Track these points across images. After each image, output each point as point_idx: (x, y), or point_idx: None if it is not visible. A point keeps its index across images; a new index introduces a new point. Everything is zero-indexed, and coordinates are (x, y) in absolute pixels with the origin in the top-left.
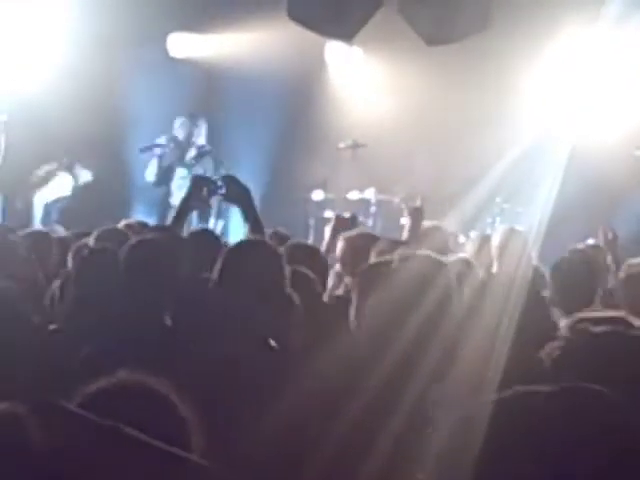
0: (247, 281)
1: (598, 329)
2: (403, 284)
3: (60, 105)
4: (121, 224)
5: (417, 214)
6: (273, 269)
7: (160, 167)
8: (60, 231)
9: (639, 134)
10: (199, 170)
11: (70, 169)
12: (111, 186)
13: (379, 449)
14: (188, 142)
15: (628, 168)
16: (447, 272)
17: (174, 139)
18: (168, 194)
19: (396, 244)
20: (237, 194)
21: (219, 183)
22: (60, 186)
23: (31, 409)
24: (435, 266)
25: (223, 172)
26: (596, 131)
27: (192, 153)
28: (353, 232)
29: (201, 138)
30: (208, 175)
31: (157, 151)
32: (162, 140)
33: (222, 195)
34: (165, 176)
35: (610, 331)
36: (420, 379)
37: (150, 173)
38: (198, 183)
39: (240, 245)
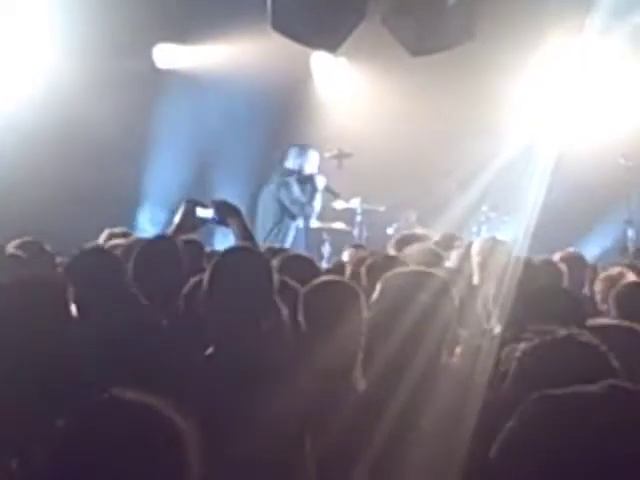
0: (236, 288)
1: (554, 335)
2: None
3: (45, 117)
4: (105, 233)
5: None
6: (262, 275)
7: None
8: None
9: (623, 142)
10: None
11: None
12: (95, 200)
13: (371, 453)
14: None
15: (613, 176)
16: (434, 283)
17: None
18: None
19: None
20: (229, 217)
21: (210, 208)
22: None
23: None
24: (422, 278)
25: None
26: (581, 140)
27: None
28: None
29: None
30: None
31: None
32: None
33: (215, 222)
34: None
35: (564, 336)
36: (408, 386)
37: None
38: (190, 208)
39: (229, 252)
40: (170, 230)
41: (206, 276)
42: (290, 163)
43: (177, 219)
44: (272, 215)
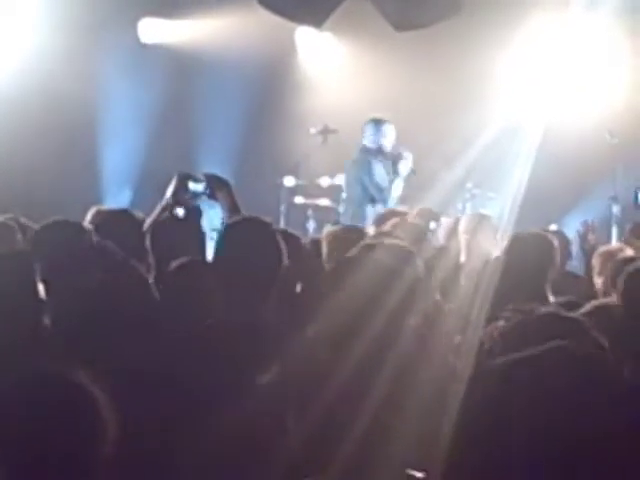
0: (244, 258)
1: (538, 311)
2: (368, 276)
3: (27, 91)
4: (93, 210)
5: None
6: (269, 246)
7: None
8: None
9: (609, 119)
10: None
11: None
12: (79, 176)
13: (359, 440)
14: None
15: (599, 153)
16: (415, 261)
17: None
18: None
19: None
20: (218, 190)
21: (201, 180)
22: None
23: None
24: (403, 255)
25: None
26: (567, 116)
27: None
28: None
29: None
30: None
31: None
32: None
33: (207, 195)
34: None
35: (547, 312)
36: (389, 370)
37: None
38: (183, 181)
39: (237, 222)
40: (163, 204)
41: (214, 247)
42: (367, 140)
43: (169, 192)
44: (355, 198)
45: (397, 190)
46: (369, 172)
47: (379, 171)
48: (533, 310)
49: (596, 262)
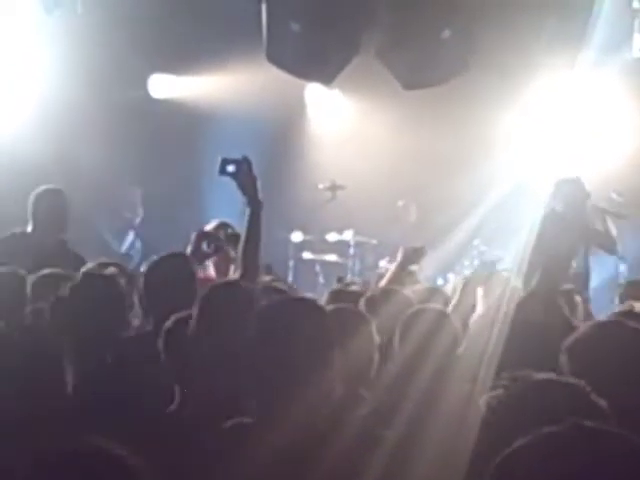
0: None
1: (536, 377)
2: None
3: (39, 147)
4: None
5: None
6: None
7: None
8: None
9: (616, 178)
10: None
11: None
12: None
13: None
14: None
15: None
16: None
17: None
18: None
19: None
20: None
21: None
22: None
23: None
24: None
25: None
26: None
27: None
28: None
29: None
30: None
31: None
32: None
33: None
34: None
35: (547, 379)
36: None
37: None
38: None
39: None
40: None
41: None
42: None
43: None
44: None
45: None
46: None
47: None
48: (529, 376)
49: None
